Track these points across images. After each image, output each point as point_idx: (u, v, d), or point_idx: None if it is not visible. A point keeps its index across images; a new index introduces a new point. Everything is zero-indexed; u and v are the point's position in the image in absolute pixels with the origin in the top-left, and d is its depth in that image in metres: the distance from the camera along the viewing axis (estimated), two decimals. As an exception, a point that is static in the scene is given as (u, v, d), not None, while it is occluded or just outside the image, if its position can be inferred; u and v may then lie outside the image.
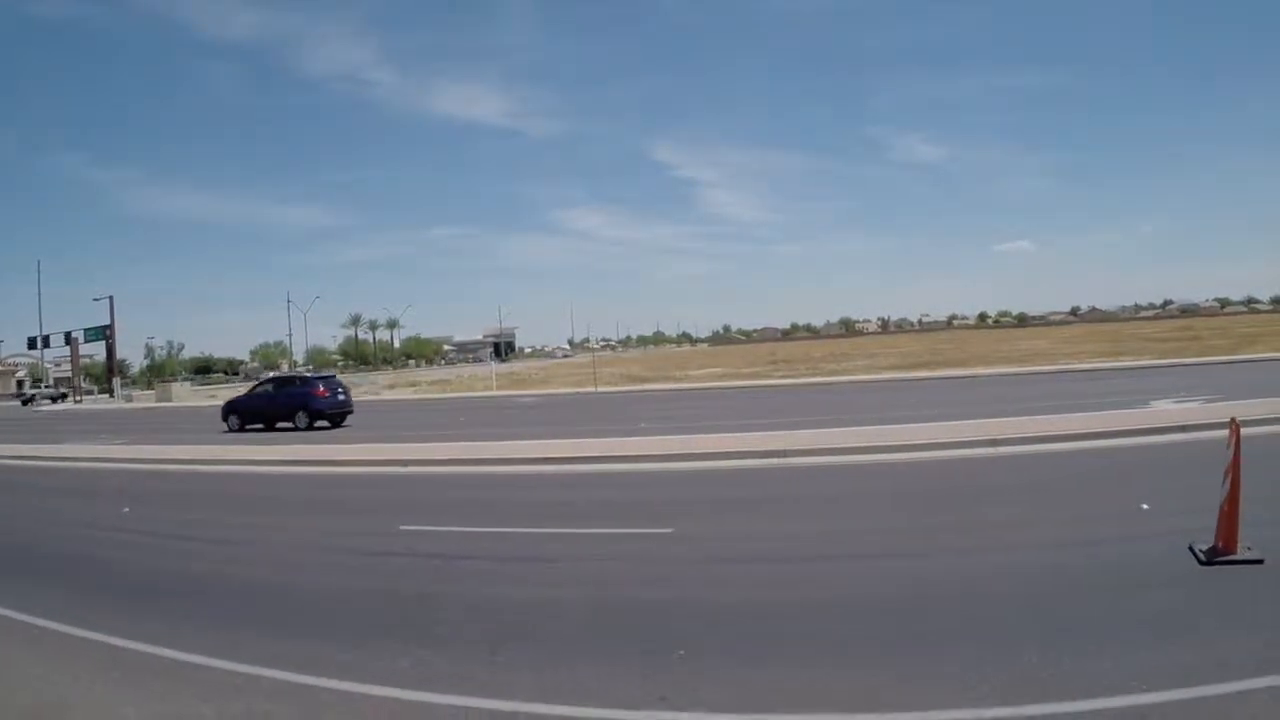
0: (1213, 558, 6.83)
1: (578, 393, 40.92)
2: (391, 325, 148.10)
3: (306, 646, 6.03)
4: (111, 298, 76.04)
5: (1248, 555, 6.75)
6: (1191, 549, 7.03)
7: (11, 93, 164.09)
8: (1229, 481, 6.98)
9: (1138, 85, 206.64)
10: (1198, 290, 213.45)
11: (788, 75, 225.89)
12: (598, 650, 5.77)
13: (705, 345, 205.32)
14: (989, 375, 36.37)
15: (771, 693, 4.78)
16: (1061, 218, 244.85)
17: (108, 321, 76.40)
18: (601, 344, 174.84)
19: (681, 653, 5.53)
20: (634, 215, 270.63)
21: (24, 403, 76.45)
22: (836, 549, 8.43)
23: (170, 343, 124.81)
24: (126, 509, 12.86)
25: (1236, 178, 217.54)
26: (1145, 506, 8.96)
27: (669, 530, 9.45)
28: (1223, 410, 14.96)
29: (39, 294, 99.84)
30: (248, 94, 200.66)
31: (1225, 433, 12.59)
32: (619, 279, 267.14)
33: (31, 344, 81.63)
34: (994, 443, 13.81)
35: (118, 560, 9.55)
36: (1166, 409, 17.24)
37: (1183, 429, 13.91)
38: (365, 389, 59.16)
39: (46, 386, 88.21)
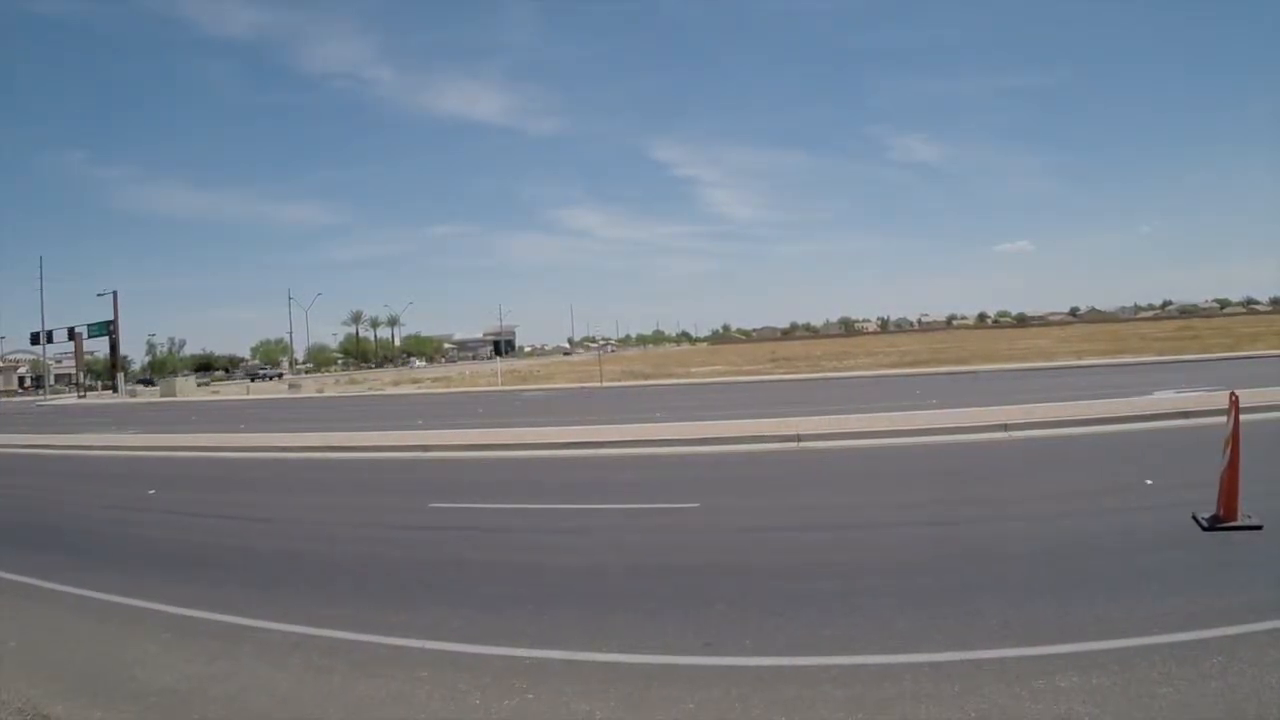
0: (1214, 524, 7.17)
1: (583, 387, 41.13)
2: (392, 323, 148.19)
3: (352, 609, 6.27)
4: (115, 293, 76.13)
5: (1248, 522, 7.08)
6: (1194, 517, 7.36)
7: (13, 90, 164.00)
8: (1229, 452, 7.31)
9: (1137, 86, 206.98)
10: (1197, 291, 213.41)
11: (788, 74, 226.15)
12: (640, 607, 6.03)
13: (704, 344, 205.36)
14: (991, 371, 36.56)
15: (811, 639, 5.09)
16: (1061, 218, 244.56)
17: (110, 318, 76.54)
18: (602, 342, 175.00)
19: (721, 607, 5.83)
20: (633, 214, 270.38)
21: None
22: (857, 520, 8.76)
23: (171, 339, 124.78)
24: (152, 490, 13.14)
25: (1236, 178, 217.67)
26: (1150, 482, 9.30)
27: (695, 505, 9.75)
28: (1224, 399, 15.25)
29: (41, 290, 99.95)
30: (248, 91, 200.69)
31: (1226, 418, 12.98)
32: (618, 278, 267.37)
33: (34, 339, 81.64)
34: (1005, 427, 14.09)
35: (152, 536, 9.84)
36: (1169, 397, 17.52)
37: (1184, 415, 14.20)
38: (368, 386, 59.49)
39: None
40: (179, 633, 5.98)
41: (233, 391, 65.90)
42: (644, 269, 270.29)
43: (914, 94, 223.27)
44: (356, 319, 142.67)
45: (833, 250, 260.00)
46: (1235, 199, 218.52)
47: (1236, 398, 7.73)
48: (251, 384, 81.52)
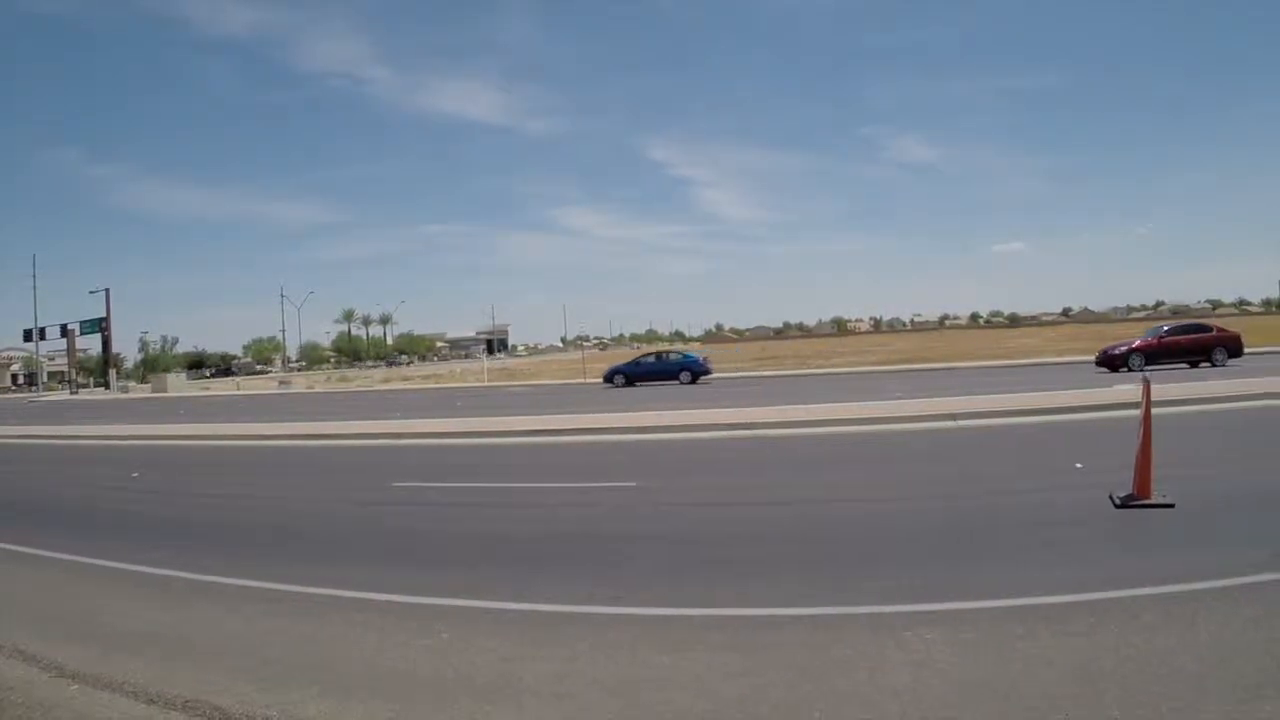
0: (1127, 502, 7.57)
1: (566, 384, 41.59)
2: (385, 321, 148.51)
3: (306, 568, 6.78)
4: (108, 290, 76.38)
5: (1160, 500, 7.46)
6: (1111, 496, 7.77)
7: (9, 88, 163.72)
8: (1141, 434, 7.74)
9: (1132, 87, 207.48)
10: (1191, 292, 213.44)
11: (784, 75, 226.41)
12: (564, 567, 6.61)
13: (697, 344, 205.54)
14: (971, 368, 37.02)
15: (709, 595, 5.55)
16: (1056, 219, 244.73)
17: (103, 315, 76.77)
18: (595, 341, 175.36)
19: (635, 568, 6.39)
20: (629, 214, 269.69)
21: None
22: (780, 497, 9.28)
23: (164, 337, 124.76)
24: (136, 474, 13.60)
25: (1231, 180, 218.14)
26: (1079, 465, 9.75)
27: (633, 484, 10.41)
28: (1180, 391, 15.76)
29: (34, 287, 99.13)
30: (244, 90, 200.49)
31: (1172, 410, 13.42)
32: (613, 277, 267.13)
33: (27, 336, 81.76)
34: (953, 416, 14.55)
35: (131, 511, 10.34)
36: (1126, 389, 17.94)
37: (1136, 405, 14.56)
38: (359, 383, 59.81)
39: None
40: (145, 587, 6.56)
41: (223, 388, 66.19)
42: (639, 268, 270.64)
43: (910, 94, 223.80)
44: (349, 317, 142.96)
45: (828, 250, 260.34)
46: (1230, 201, 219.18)
47: (1148, 383, 8.17)
48: (242, 380, 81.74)
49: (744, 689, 4.03)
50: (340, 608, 5.69)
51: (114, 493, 11.93)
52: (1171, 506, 7.33)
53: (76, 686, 4.49)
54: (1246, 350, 29.16)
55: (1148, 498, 7.54)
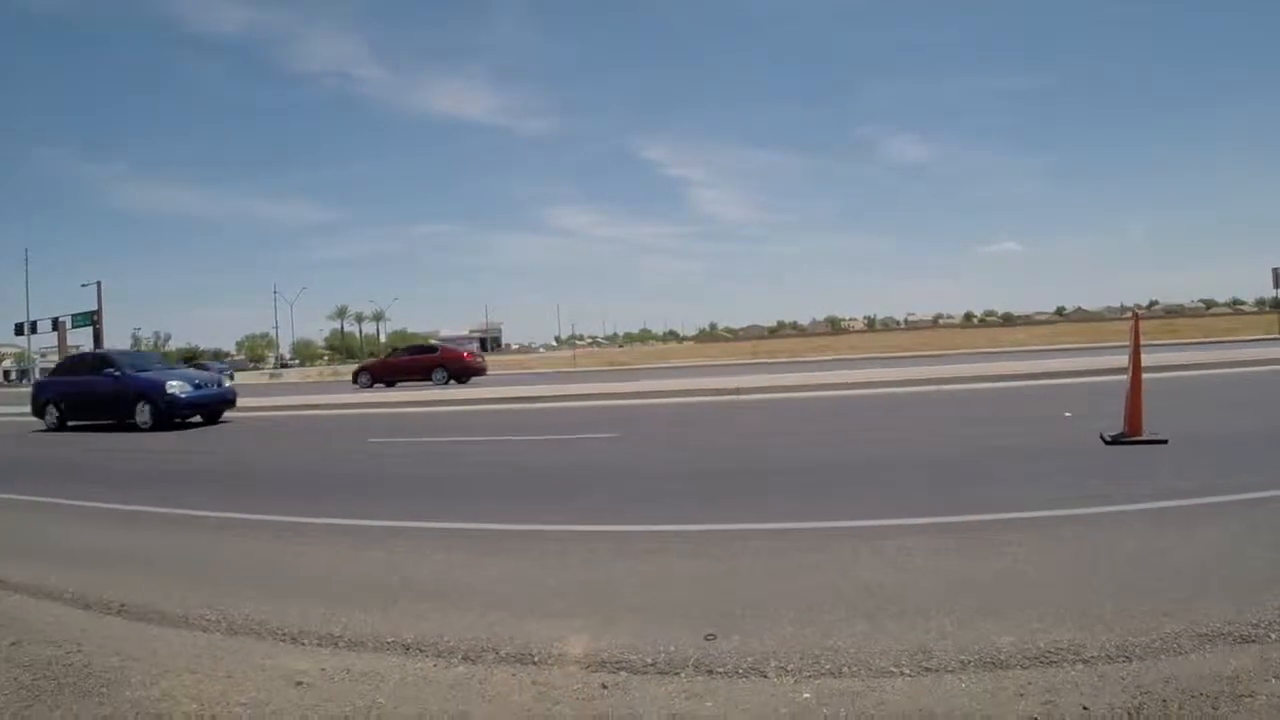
0: (1117, 439, 7.40)
1: (557, 371, 41.61)
2: (378, 318, 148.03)
3: (273, 503, 6.74)
4: (99, 283, 75.38)
5: (1153, 437, 7.27)
6: (1101, 436, 7.60)
7: (4, 87, 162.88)
8: (1131, 371, 7.55)
9: (1126, 87, 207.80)
10: (1186, 292, 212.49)
11: (778, 75, 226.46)
12: (535, 497, 6.56)
13: (691, 342, 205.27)
14: (960, 355, 36.98)
15: (679, 516, 5.43)
16: (1049, 219, 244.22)
17: (95, 309, 76.42)
18: (589, 340, 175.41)
19: (604, 495, 6.38)
20: (623, 213, 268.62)
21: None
22: (754, 443, 9.34)
23: (157, 333, 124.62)
24: None
25: (1225, 180, 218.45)
26: (1068, 414, 9.57)
27: (616, 435, 10.43)
28: (1166, 359, 15.67)
29: (26, 280, 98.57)
30: (238, 89, 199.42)
31: (1159, 375, 13.27)
32: (608, 277, 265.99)
33: (18, 330, 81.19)
34: (938, 381, 14.38)
35: (111, 467, 10.25)
36: (1111, 358, 17.86)
37: (1123, 370, 14.44)
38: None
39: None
40: (111, 520, 6.58)
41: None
42: (634, 268, 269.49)
43: (904, 95, 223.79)
44: (341, 314, 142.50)
45: (822, 250, 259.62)
46: (1225, 200, 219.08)
47: (1137, 318, 7.98)
48: (235, 374, 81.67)
49: (708, 588, 3.86)
50: (300, 530, 5.62)
51: (95, 454, 11.77)
52: (1165, 442, 7.13)
53: (17, 596, 4.39)
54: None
55: (1139, 435, 7.38)
